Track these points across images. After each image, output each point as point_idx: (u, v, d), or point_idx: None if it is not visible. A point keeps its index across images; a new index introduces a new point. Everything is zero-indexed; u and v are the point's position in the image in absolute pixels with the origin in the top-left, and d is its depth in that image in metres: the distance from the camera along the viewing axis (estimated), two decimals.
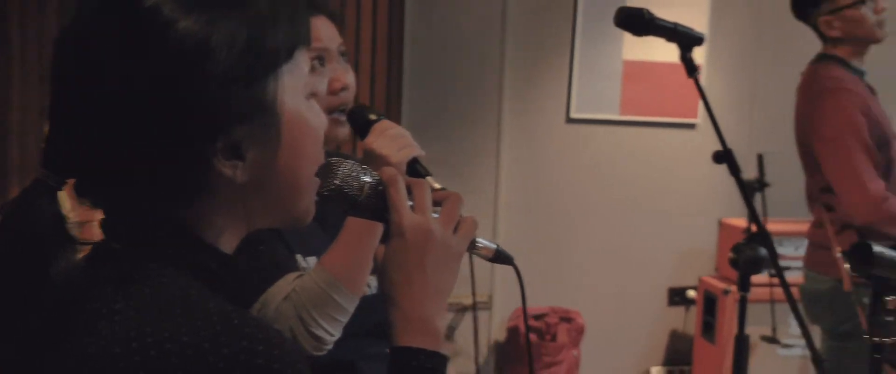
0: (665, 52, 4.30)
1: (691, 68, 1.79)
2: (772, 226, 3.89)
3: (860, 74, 2.50)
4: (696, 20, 4.37)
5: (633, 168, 4.40)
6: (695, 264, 4.46)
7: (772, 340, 3.91)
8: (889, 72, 4.47)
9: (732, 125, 4.51)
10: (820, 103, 2.41)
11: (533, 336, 4.12)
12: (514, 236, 4.28)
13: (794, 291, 2.66)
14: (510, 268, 4.00)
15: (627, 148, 4.38)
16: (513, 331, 4.17)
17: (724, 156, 1.80)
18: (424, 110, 4.11)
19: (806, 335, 1.85)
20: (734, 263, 1.79)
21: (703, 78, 4.39)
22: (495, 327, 4.30)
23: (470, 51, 4.15)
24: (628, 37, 4.25)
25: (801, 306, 2.65)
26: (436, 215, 1.04)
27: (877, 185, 2.29)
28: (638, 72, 4.30)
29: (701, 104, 4.46)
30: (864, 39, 2.47)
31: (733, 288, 4.04)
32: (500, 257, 1.15)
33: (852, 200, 2.32)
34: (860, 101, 2.34)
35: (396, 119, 4.04)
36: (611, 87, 4.29)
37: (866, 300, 2.31)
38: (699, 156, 4.48)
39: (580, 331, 4.20)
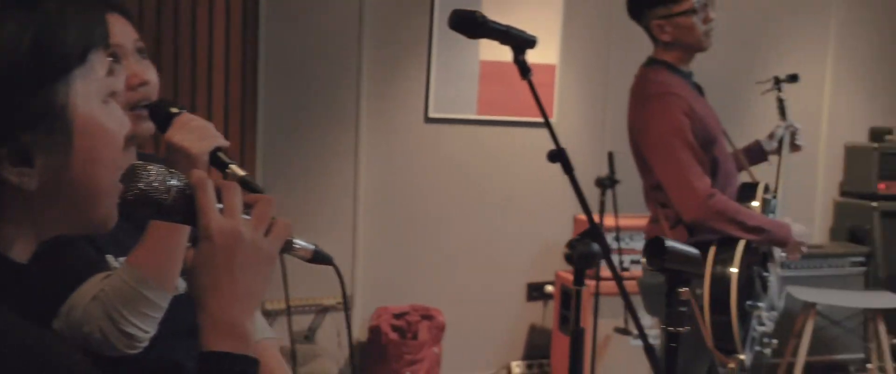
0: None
1: (524, 70, 1.83)
2: (623, 221, 4.04)
3: (687, 76, 2.62)
4: (550, 22, 4.49)
5: (491, 167, 4.48)
6: (551, 259, 4.57)
7: (625, 331, 4.05)
8: (717, 75, 4.71)
9: (586, 124, 4.66)
10: (648, 107, 2.52)
11: (395, 335, 4.14)
12: (374, 235, 4.29)
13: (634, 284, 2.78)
14: (372, 267, 4.08)
15: (485, 147, 4.46)
16: (375, 331, 4.18)
17: (557, 155, 1.85)
18: (282, 110, 4.07)
19: (638, 325, 1.92)
20: (568, 258, 1.85)
21: (557, 78, 4.53)
22: (357, 327, 4.29)
23: (327, 50, 4.13)
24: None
25: (640, 299, 2.77)
26: (247, 218, 1.03)
27: (703, 183, 2.41)
28: (494, 72, 4.38)
29: (556, 103, 4.60)
30: (692, 46, 2.58)
31: (588, 282, 4.16)
32: (318, 257, 1.16)
33: (680, 198, 2.43)
34: (685, 104, 2.45)
35: (252, 119, 3.99)
36: (468, 87, 4.36)
37: (699, 291, 2.44)
38: None
39: (441, 328, 4.25)
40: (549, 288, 4.61)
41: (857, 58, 5.35)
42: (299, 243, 1.12)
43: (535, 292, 4.64)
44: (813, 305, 4.32)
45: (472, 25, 1.76)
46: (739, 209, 2.46)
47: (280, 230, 1.06)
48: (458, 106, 4.37)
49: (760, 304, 2.44)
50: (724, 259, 2.39)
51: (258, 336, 1.69)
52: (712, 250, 2.42)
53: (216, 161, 1.38)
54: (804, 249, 2.60)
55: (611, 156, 4.03)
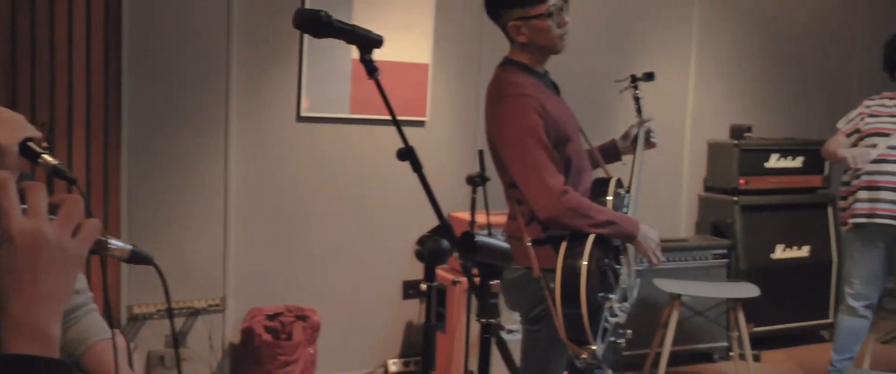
0: (393, 51, 4.44)
1: (371, 69, 1.85)
2: (494, 218, 4.11)
3: (542, 75, 2.69)
4: (422, 21, 4.53)
5: (365, 165, 4.49)
6: None
7: (498, 326, 4.11)
8: (584, 74, 4.85)
9: (459, 122, 4.72)
10: (502, 107, 2.58)
11: (268, 336, 4.11)
12: (246, 235, 4.24)
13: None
14: (244, 270, 4.02)
15: (359, 146, 4.46)
16: (247, 332, 4.13)
17: (406, 153, 1.88)
18: (147, 110, 3.98)
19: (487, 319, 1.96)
20: (419, 254, 1.87)
21: (429, 77, 4.57)
22: (229, 329, 4.24)
23: (195, 47, 4.05)
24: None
25: (501, 295, 2.83)
26: (53, 218, 1.01)
27: (556, 180, 2.48)
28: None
29: (429, 102, 4.64)
30: (546, 49, 2.65)
31: (463, 279, 4.22)
32: (136, 257, 1.15)
33: (534, 195, 2.49)
34: (538, 104, 2.52)
35: (116, 119, 3.89)
36: (341, 85, 4.35)
37: (552, 285, 2.51)
38: (429, 153, 4.64)
39: (316, 328, 4.23)
40: (425, 286, 4.64)
41: (718, 58, 5.59)
42: (115, 243, 1.11)
43: (410, 289, 4.68)
44: (678, 296, 4.48)
45: (316, 25, 1.75)
46: (591, 205, 2.53)
47: (88, 231, 1.04)
48: (330, 105, 4.36)
49: (612, 296, 2.51)
50: (575, 253, 2.46)
51: (95, 337, 1.67)
52: (563, 246, 2.49)
53: (27, 152, 1.35)
54: (659, 253, 2.68)
55: (481, 154, 4.10)
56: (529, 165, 2.49)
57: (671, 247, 4.92)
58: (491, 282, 1.51)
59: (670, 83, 5.42)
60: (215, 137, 4.12)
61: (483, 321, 1.54)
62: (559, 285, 2.45)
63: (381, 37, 1.89)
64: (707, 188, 5.53)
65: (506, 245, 1.59)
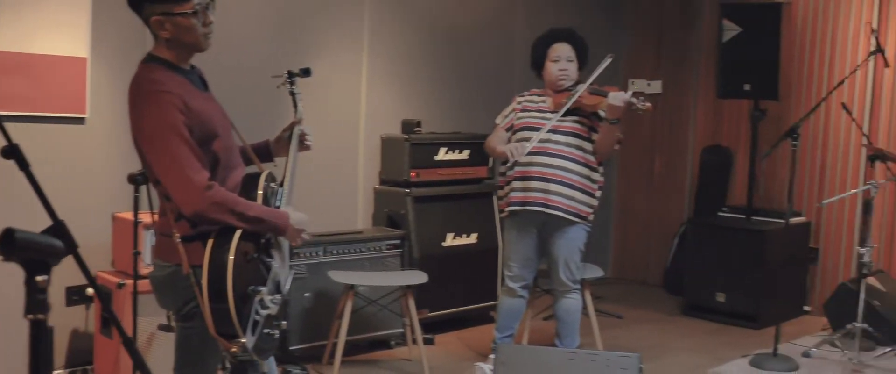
0: (45, 44, 4.16)
1: None
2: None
3: (187, 72, 2.65)
4: (78, 12, 4.29)
5: (10, 165, 4.15)
6: (91, 260, 4.34)
7: (168, 328, 4.00)
8: (258, 71, 4.85)
9: (123, 119, 4.48)
10: (142, 104, 2.52)
11: None
12: None
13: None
14: None
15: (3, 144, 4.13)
16: None
17: (10, 151, 1.78)
18: None
19: (115, 322, 1.91)
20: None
21: (88, 72, 4.34)
22: None
23: None
24: (0, 27, 4.03)
25: (154, 295, 2.77)
26: None
27: (200, 176, 2.45)
28: (14, 64, 4.08)
29: (88, 98, 4.40)
30: (191, 46, 2.62)
31: (128, 281, 4.06)
32: None
33: (178, 192, 2.46)
34: (179, 100, 2.48)
35: None
36: None
37: (203, 282, 2.48)
38: (90, 150, 4.41)
39: None
40: (91, 291, 4.41)
41: (389, 57, 5.81)
42: None
43: (75, 295, 4.42)
44: (352, 287, 4.60)
45: None
46: (238, 200, 2.53)
47: None
48: None
49: (262, 288, 2.54)
50: (222, 248, 2.46)
51: None
52: (210, 241, 2.48)
53: None
54: (305, 236, 2.75)
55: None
56: (171, 161, 2.45)
57: (347, 240, 5.05)
58: (37, 277, 1.50)
59: (344, 80, 5.55)
60: None
61: (30, 317, 1.51)
62: (206, 280, 2.44)
63: None
64: (382, 181, 5.72)
65: (55, 241, 1.57)
